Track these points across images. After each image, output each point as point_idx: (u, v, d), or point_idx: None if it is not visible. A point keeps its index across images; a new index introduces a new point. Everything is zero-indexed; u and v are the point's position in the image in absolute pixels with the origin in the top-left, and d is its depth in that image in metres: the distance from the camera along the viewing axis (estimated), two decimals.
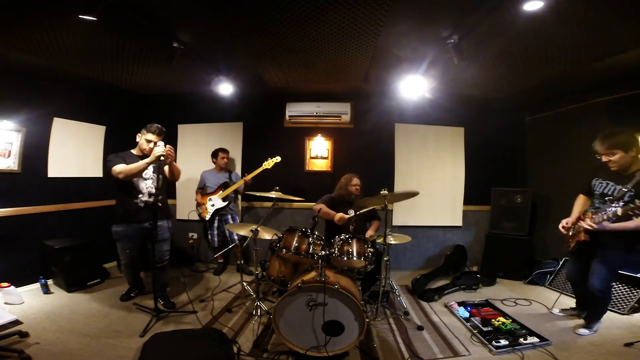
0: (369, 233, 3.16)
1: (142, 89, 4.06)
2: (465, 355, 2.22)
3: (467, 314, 2.77)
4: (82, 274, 3.30)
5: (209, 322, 2.65)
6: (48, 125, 3.52)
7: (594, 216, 2.29)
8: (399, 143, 4.34)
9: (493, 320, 2.63)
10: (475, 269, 4.21)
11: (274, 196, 2.99)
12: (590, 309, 2.60)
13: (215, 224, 3.85)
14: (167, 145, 2.51)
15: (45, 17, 2.23)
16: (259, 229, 2.75)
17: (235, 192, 3.90)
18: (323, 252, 2.41)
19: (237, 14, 2.24)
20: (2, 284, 2.86)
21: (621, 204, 2.18)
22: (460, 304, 2.97)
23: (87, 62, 3.06)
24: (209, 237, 3.94)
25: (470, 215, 4.40)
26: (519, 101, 4.14)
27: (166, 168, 2.64)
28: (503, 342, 2.29)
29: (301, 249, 2.51)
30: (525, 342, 2.29)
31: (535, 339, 2.32)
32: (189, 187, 4.20)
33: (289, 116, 4.20)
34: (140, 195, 2.73)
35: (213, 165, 3.98)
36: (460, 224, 4.38)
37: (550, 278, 3.60)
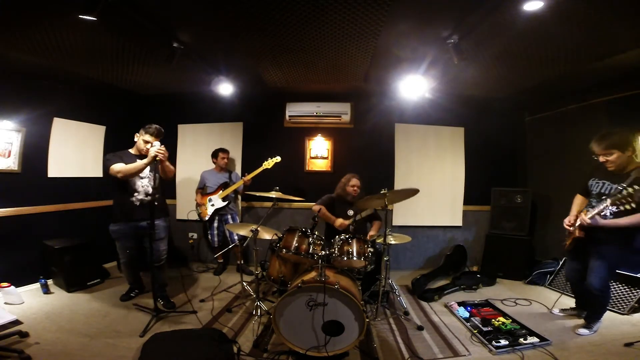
0: (371, 234, 3.16)
1: (142, 89, 4.07)
2: (465, 355, 2.22)
3: (467, 314, 2.77)
4: (82, 274, 3.30)
5: (209, 322, 2.65)
6: (48, 125, 3.52)
7: (588, 212, 2.32)
8: (399, 143, 4.34)
9: (493, 320, 2.63)
10: (475, 269, 4.21)
11: (274, 196, 2.99)
12: (589, 308, 2.61)
13: (215, 224, 3.85)
14: (162, 145, 2.52)
15: (45, 17, 2.23)
16: (259, 229, 2.75)
17: (235, 192, 3.90)
18: (323, 252, 2.41)
19: (237, 14, 2.24)
20: (2, 284, 2.86)
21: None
22: (460, 304, 2.97)
23: (87, 62, 3.06)
24: (209, 237, 3.95)
25: (470, 215, 4.40)
26: (519, 101, 4.14)
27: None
28: (503, 342, 2.29)
29: (301, 249, 2.51)
30: (525, 342, 2.29)
31: (535, 339, 2.33)
32: (189, 187, 4.20)
33: (289, 116, 4.20)
34: (136, 194, 2.74)
35: (213, 166, 3.98)
36: (460, 224, 4.39)
37: (550, 278, 3.60)
